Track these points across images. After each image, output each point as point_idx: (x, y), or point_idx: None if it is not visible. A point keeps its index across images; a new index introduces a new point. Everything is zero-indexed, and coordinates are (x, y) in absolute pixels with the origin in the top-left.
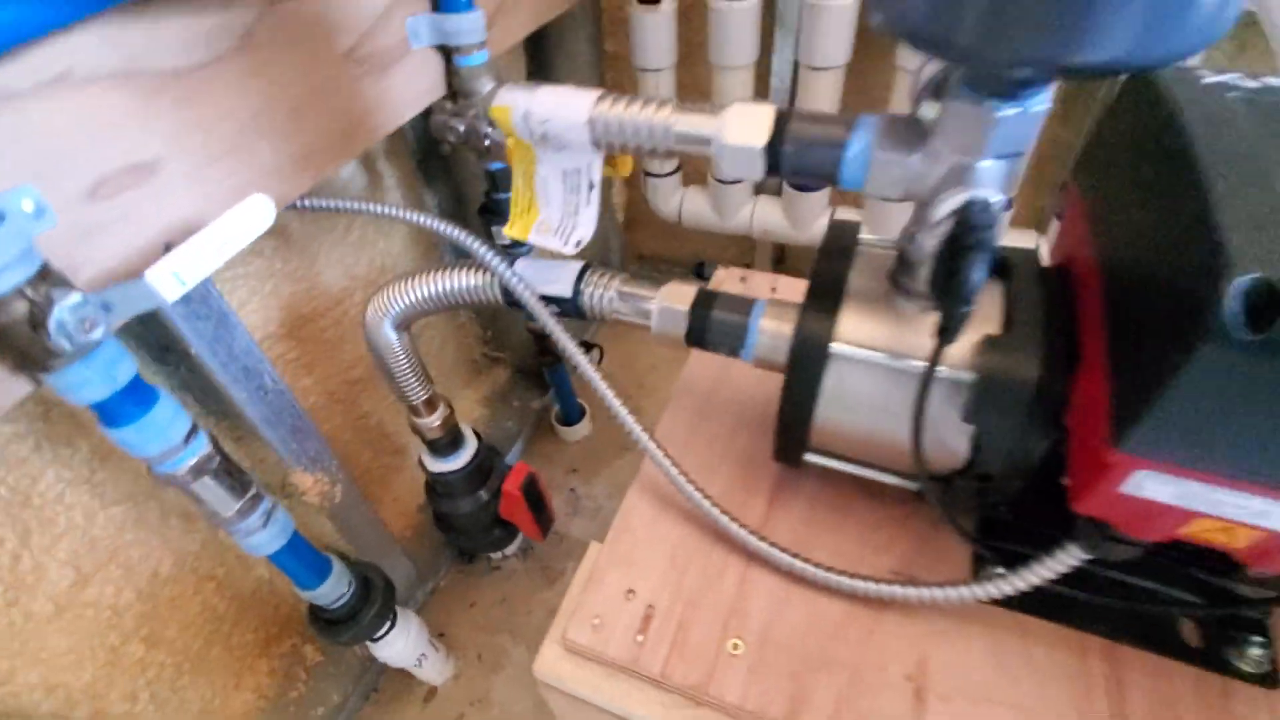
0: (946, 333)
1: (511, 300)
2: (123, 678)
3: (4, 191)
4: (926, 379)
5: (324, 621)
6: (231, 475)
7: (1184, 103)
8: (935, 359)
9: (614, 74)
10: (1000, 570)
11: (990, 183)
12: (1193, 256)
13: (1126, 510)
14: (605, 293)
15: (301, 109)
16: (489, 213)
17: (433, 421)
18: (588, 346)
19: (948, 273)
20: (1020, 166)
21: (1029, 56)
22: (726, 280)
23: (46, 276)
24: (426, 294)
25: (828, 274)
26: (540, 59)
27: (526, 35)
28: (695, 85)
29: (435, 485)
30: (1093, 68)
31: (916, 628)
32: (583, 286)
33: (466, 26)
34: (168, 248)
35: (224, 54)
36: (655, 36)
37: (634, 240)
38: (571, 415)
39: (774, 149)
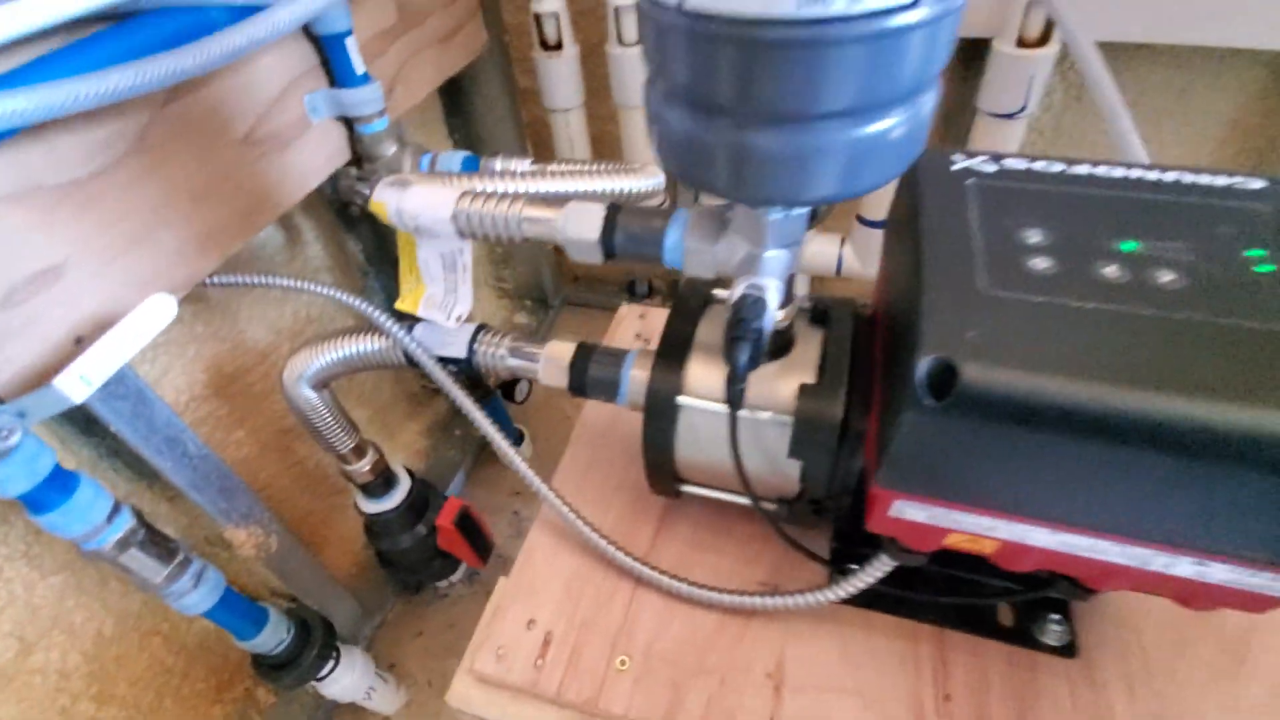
0: (731, 402)
1: (414, 362)
2: None
3: None
4: (733, 429)
5: (267, 666)
6: (158, 544)
7: (927, 187)
8: (734, 421)
9: (529, 109)
10: (845, 573)
11: (773, 269)
12: (908, 333)
13: (899, 529)
14: (497, 351)
15: (202, 196)
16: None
17: (362, 467)
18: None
19: (725, 353)
20: (797, 259)
21: (762, 200)
22: (626, 317)
23: None
24: (336, 358)
25: (677, 331)
26: (457, 102)
27: (432, 90)
28: (607, 118)
29: (373, 525)
30: (810, 204)
31: (777, 631)
32: (476, 347)
33: (364, 98)
34: (79, 341)
35: (121, 157)
36: (560, 80)
37: (567, 263)
38: (511, 440)
39: (607, 240)
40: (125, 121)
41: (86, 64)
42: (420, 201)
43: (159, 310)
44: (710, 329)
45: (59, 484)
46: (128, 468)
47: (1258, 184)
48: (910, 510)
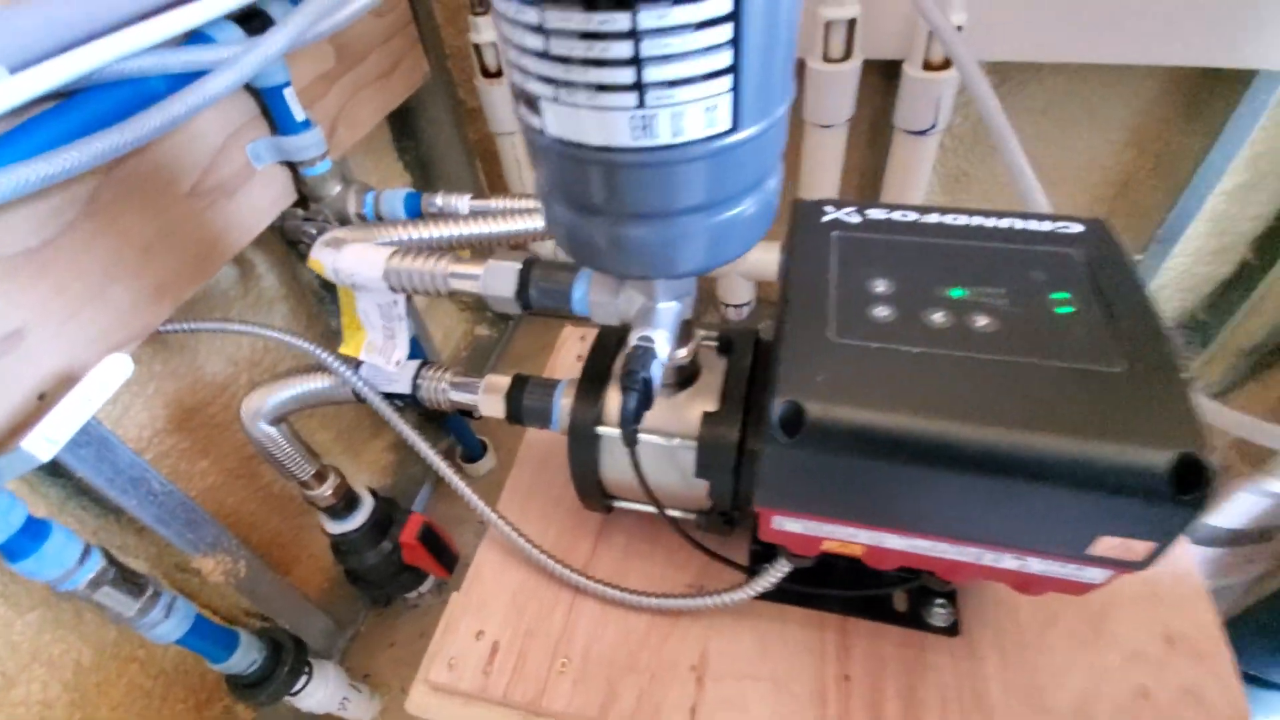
0: (627, 442)
1: (362, 398)
2: None
3: None
4: (634, 461)
5: (241, 686)
6: (128, 580)
7: (798, 240)
8: (633, 455)
9: (478, 126)
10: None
11: (665, 320)
12: (769, 376)
13: (783, 538)
14: (439, 385)
15: (152, 250)
16: None
17: (324, 491)
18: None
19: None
20: (688, 306)
21: (638, 274)
22: (569, 340)
23: None
24: (290, 396)
25: (597, 365)
26: (404, 126)
27: (376, 123)
28: None
29: (339, 545)
30: (683, 276)
31: (701, 627)
32: (419, 382)
33: (305, 144)
34: (42, 398)
35: (72, 221)
36: (503, 104)
37: None
38: (474, 453)
39: (523, 295)
40: (74, 189)
41: (37, 142)
42: (354, 261)
43: (115, 369)
44: None
45: (31, 533)
46: (95, 504)
47: (1077, 228)
48: (788, 523)
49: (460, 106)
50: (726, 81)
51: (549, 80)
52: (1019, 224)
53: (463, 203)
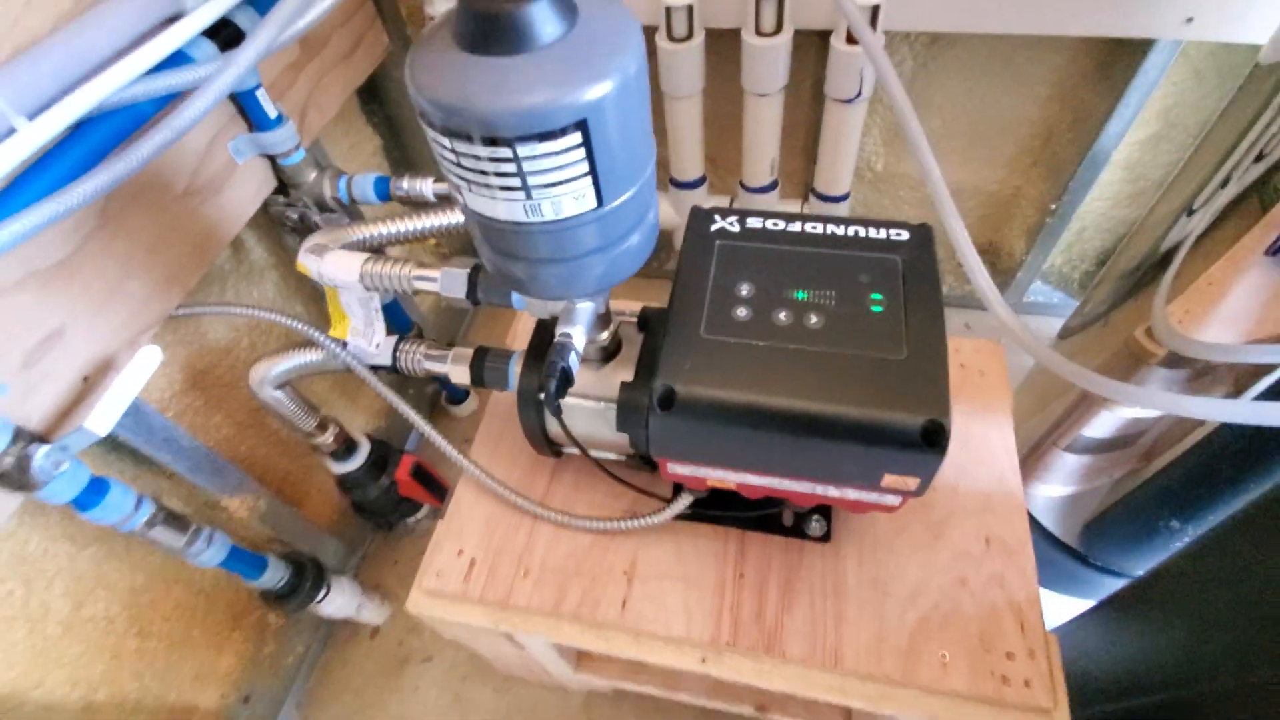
0: (554, 415)
1: (351, 369)
2: (127, 665)
3: None
4: (562, 425)
5: (273, 598)
6: (174, 520)
7: (687, 247)
8: (561, 422)
9: None
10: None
11: (582, 318)
12: (653, 362)
13: (679, 478)
14: (415, 356)
15: (157, 247)
16: None
17: (327, 439)
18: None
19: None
20: (603, 303)
21: (553, 297)
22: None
23: (19, 437)
24: (290, 366)
25: (540, 339)
26: (371, 91)
27: (343, 103)
28: None
29: (343, 482)
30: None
31: (632, 542)
32: (398, 355)
33: (280, 138)
34: (86, 380)
35: (89, 233)
36: None
37: None
38: (457, 395)
39: (472, 296)
40: (88, 207)
41: (55, 174)
42: (334, 267)
43: (149, 359)
44: None
45: (95, 489)
46: (131, 457)
47: (904, 235)
48: (678, 468)
49: None
50: (588, 180)
51: (464, 180)
52: (861, 231)
53: (427, 186)
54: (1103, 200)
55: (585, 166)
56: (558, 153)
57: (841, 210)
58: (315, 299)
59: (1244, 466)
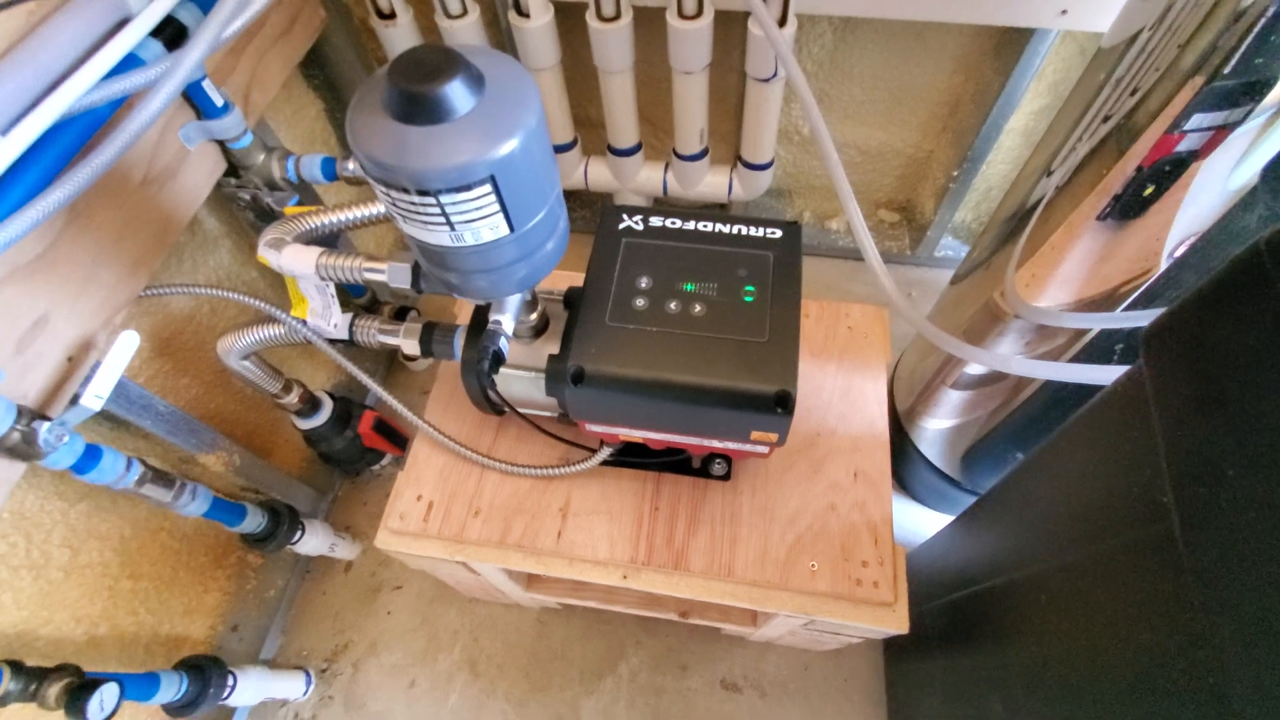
0: (487, 388)
1: (312, 342)
2: (123, 603)
3: None
4: (498, 396)
5: (252, 541)
6: (161, 478)
7: (599, 243)
8: (496, 393)
9: (380, 50)
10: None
11: (509, 307)
12: (567, 347)
13: (597, 435)
14: (370, 331)
15: (122, 235)
16: None
17: (292, 399)
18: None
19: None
20: (529, 291)
21: (483, 299)
22: None
23: (22, 414)
24: (254, 339)
25: (480, 317)
26: (311, 57)
27: (284, 79)
28: None
29: (310, 437)
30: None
31: (566, 485)
32: (354, 330)
33: (228, 125)
34: (70, 359)
35: (61, 229)
36: (399, 42)
37: None
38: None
39: (416, 286)
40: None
41: (29, 181)
42: (291, 259)
43: (129, 343)
44: None
45: (90, 455)
46: (109, 422)
47: (777, 234)
48: (594, 427)
49: (361, 29)
50: (500, 215)
51: (400, 214)
52: (743, 230)
53: None
54: (1005, 164)
55: (496, 205)
56: (474, 199)
57: (766, 176)
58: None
59: (1067, 409)
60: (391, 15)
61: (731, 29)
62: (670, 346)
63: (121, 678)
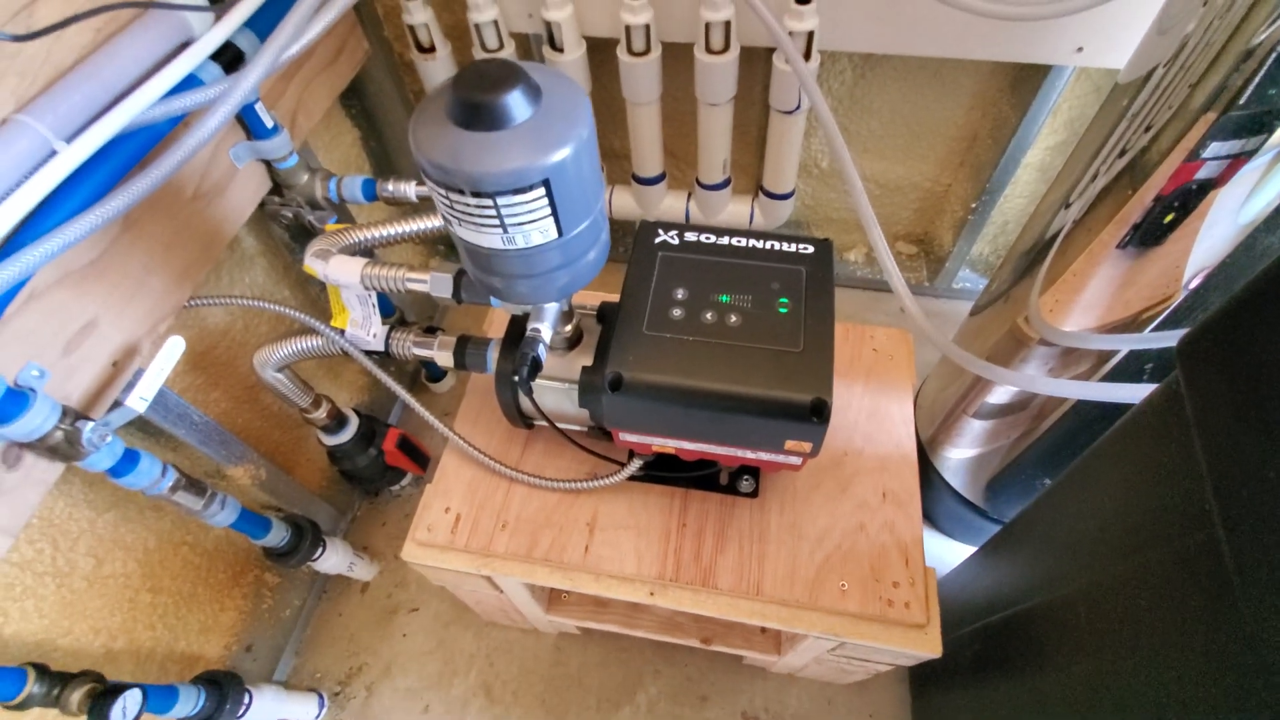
0: (525, 394)
1: (348, 355)
2: (142, 616)
3: (21, 370)
4: (532, 401)
5: (275, 555)
6: (194, 486)
7: (635, 256)
8: (531, 398)
9: (414, 81)
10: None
11: (547, 316)
12: (605, 353)
13: (630, 444)
14: (405, 343)
15: (171, 245)
16: None
17: (320, 414)
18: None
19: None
20: (566, 303)
21: (525, 303)
22: None
23: (66, 414)
24: (291, 351)
25: (514, 332)
26: (358, 100)
27: (328, 106)
28: None
29: (334, 453)
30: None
31: (594, 498)
32: (390, 342)
33: (276, 145)
34: (115, 364)
35: (115, 237)
36: (438, 75)
37: None
38: (436, 374)
39: (457, 295)
40: None
41: (89, 188)
42: (338, 269)
43: (174, 349)
44: None
45: (128, 459)
46: (141, 430)
47: (809, 249)
48: (628, 436)
49: (399, 63)
50: (550, 219)
51: (455, 217)
52: (776, 245)
53: (410, 188)
54: (1022, 198)
55: (548, 209)
56: (528, 201)
57: (787, 206)
58: (300, 284)
59: (1095, 432)
60: (431, 49)
61: (755, 65)
62: (706, 355)
63: (143, 687)
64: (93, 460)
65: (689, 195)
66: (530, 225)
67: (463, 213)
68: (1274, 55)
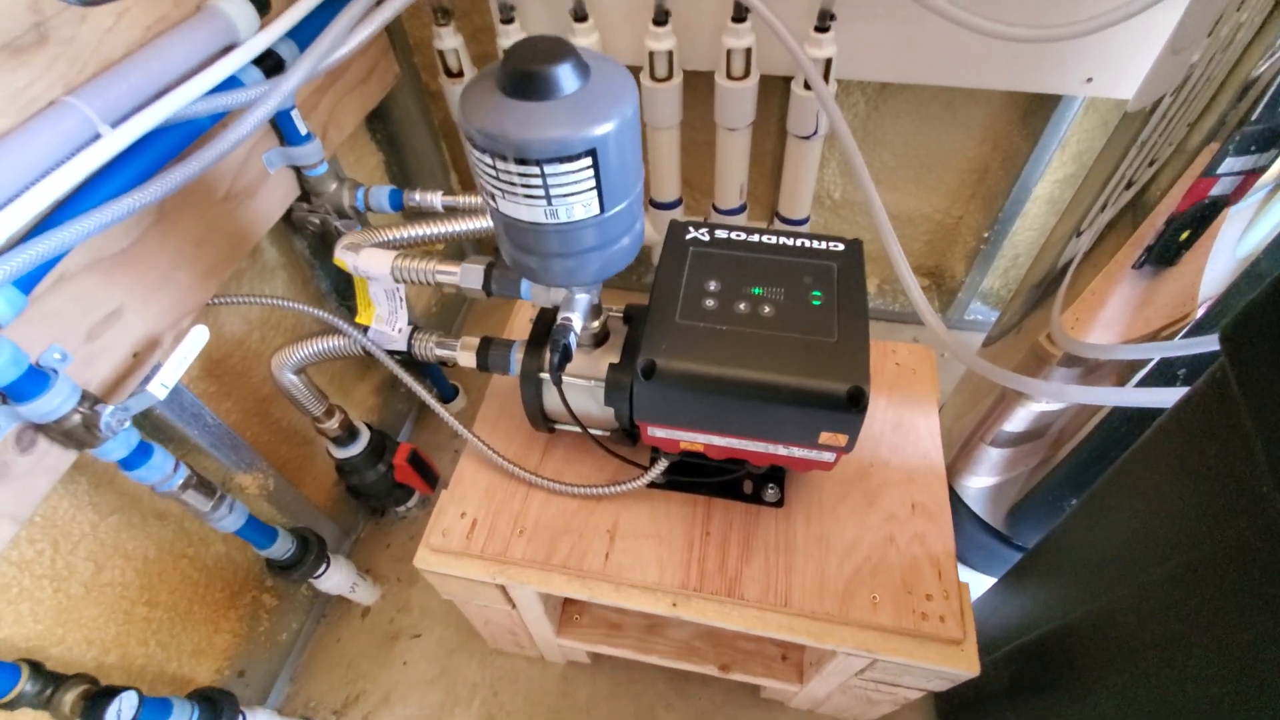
0: (555, 382)
1: (370, 354)
2: (136, 631)
3: (44, 352)
4: (560, 394)
5: (279, 568)
6: (205, 486)
7: (666, 251)
8: (560, 390)
9: (439, 109)
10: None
11: (579, 305)
12: (637, 341)
13: (657, 441)
14: (428, 344)
15: (201, 242)
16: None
17: (332, 425)
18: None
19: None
20: (596, 294)
21: (558, 284)
22: (523, 308)
23: (85, 398)
24: (311, 352)
25: (540, 329)
26: (383, 121)
27: (358, 122)
28: None
29: (343, 467)
30: (583, 285)
31: (615, 505)
32: (413, 343)
33: (308, 153)
34: (135, 355)
35: (148, 228)
36: None
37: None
38: (447, 394)
39: (487, 287)
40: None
41: (130, 173)
42: (368, 261)
43: (198, 337)
44: None
45: (142, 451)
46: (154, 433)
47: (839, 246)
48: (657, 431)
49: (425, 92)
50: (594, 192)
51: (498, 189)
52: (806, 243)
53: (436, 199)
54: (1032, 231)
55: (593, 182)
56: (574, 171)
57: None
58: (318, 298)
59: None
60: (459, 74)
61: (772, 94)
62: (740, 344)
63: (139, 692)
64: (107, 448)
65: (705, 220)
66: (574, 198)
67: (508, 184)
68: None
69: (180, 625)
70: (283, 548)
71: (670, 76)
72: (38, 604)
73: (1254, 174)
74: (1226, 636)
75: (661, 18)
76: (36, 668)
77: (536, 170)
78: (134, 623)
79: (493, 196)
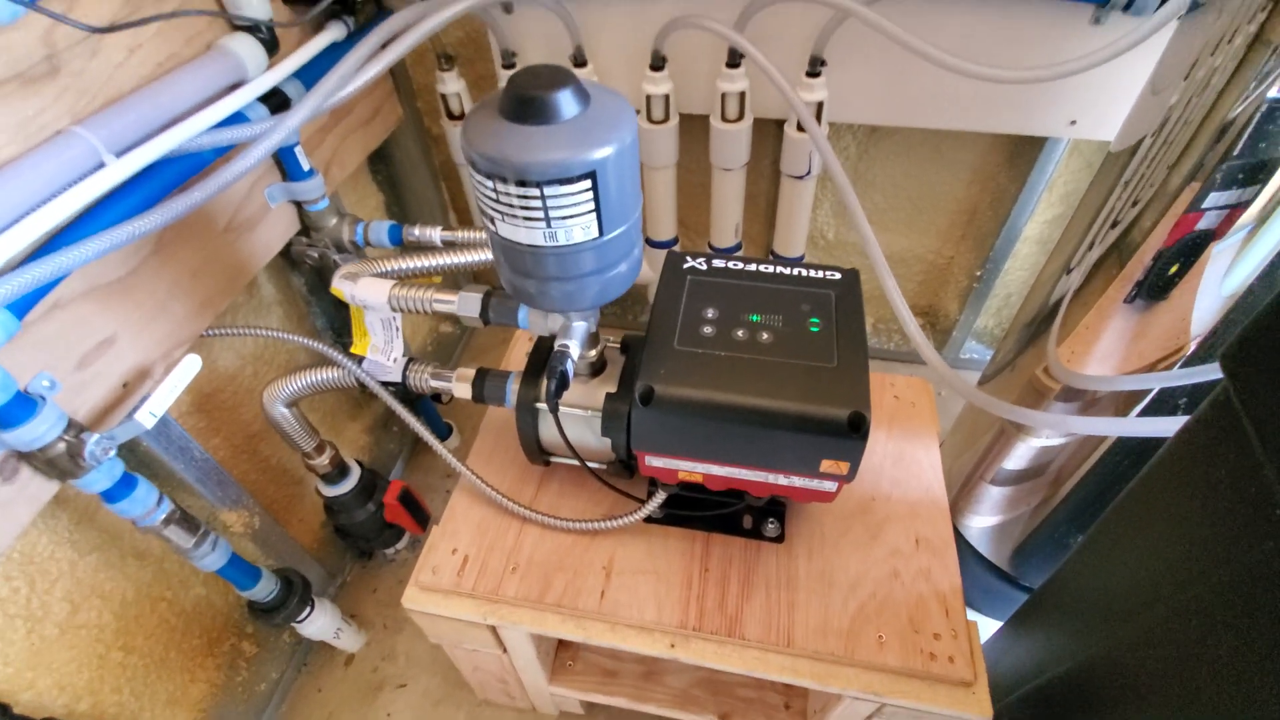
0: (552, 410)
1: (364, 386)
2: (110, 677)
3: (33, 378)
4: (557, 423)
5: (261, 610)
6: (188, 521)
7: (664, 280)
8: (557, 419)
9: (440, 152)
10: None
11: (576, 333)
12: (636, 368)
13: (654, 471)
14: (423, 376)
15: (198, 273)
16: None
17: (323, 461)
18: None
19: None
20: (594, 323)
21: (556, 309)
22: (520, 340)
23: (71, 426)
24: (305, 384)
25: (536, 360)
26: (384, 162)
27: (361, 161)
28: None
29: (332, 505)
30: (580, 311)
31: (610, 541)
32: (408, 374)
33: (310, 188)
34: (125, 385)
35: (145, 257)
36: None
37: (487, 274)
38: (441, 432)
39: (484, 316)
40: (147, 235)
41: (132, 202)
42: (366, 290)
43: (190, 366)
44: None
45: (125, 483)
46: (140, 467)
47: (836, 275)
48: (655, 461)
49: (427, 135)
50: (593, 215)
51: (498, 211)
52: (803, 272)
53: (435, 234)
54: (1024, 271)
55: (592, 204)
56: (573, 194)
57: None
58: (313, 336)
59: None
60: (461, 117)
61: (765, 137)
62: (740, 370)
63: None
64: (90, 479)
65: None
66: (573, 220)
67: (507, 206)
68: (1260, 112)
69: (155, 673)
70: (266, 589)
71: (667, 119)
72: (9, 645)
73: (1238, 208)
74: (1246, 671)
75: (659, 63)
76: (4, 710)
77: (536, 192)
78: (108, 668)
79: (493, 220)
